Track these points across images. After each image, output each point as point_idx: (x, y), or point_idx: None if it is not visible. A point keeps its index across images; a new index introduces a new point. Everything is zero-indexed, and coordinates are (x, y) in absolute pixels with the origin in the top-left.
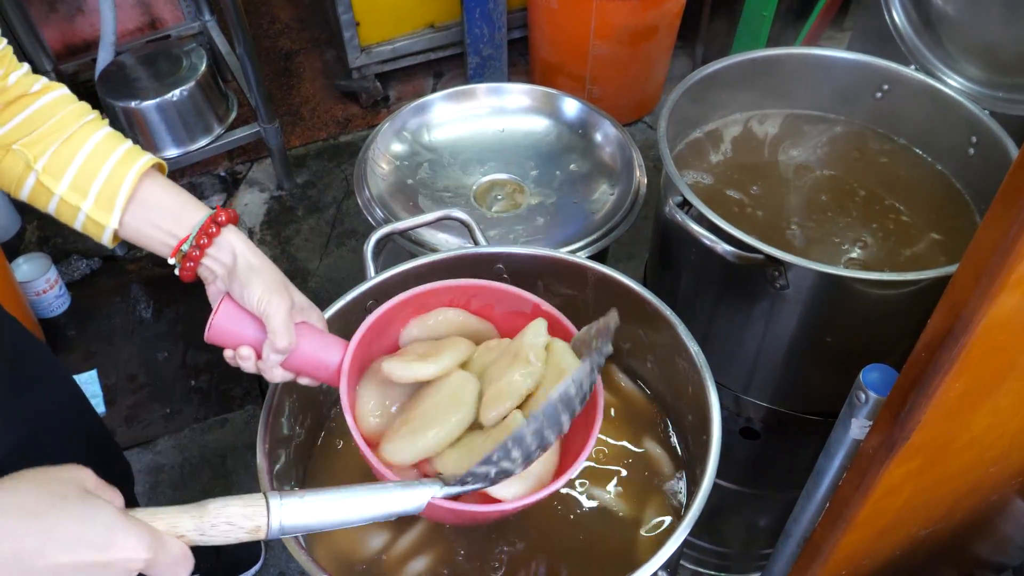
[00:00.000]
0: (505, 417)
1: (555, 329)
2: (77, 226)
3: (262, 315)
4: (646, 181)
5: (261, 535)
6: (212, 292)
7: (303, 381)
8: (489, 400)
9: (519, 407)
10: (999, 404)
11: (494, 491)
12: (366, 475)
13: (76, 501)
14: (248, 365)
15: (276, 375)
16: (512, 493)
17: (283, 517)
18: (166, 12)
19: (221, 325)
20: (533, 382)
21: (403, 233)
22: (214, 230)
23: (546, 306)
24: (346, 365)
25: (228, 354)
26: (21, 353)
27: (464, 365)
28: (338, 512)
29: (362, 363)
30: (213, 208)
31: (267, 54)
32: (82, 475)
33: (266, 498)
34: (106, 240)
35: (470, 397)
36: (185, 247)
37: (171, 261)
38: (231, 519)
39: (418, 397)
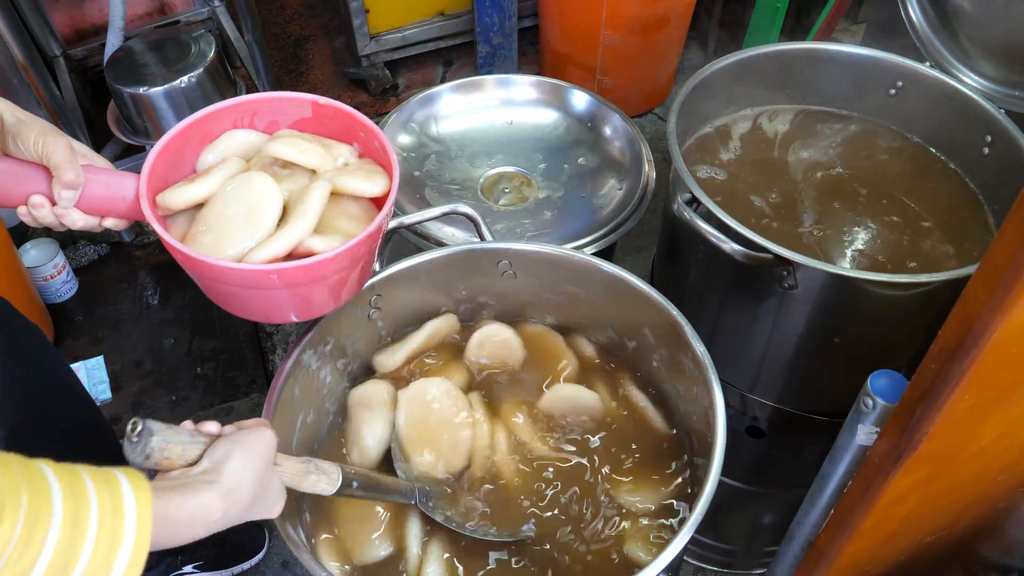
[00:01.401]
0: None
1: (337, 121)
2: None
3: (42, 156)
4: (655, 176)
5: (334, 487)
6: None
7: (109, 223)
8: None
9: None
10: (1009, 415)
11: (312, 245)
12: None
13: (272, 471)
14: (44, 214)
15: (76, 219)
16: (326, 244)
17: (354, 483)
18: None
19: (1, 181)
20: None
21: (409, 227)
22: None
23: (323, 100)
24: (142, 189)
25: (22, 211)
26: (15, 331)
27: None
28: (381, 490)
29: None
30: None
31: (276, 40)
32: (270, 443)
33: (340, 468)
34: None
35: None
36: None
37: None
38: (322, 470)
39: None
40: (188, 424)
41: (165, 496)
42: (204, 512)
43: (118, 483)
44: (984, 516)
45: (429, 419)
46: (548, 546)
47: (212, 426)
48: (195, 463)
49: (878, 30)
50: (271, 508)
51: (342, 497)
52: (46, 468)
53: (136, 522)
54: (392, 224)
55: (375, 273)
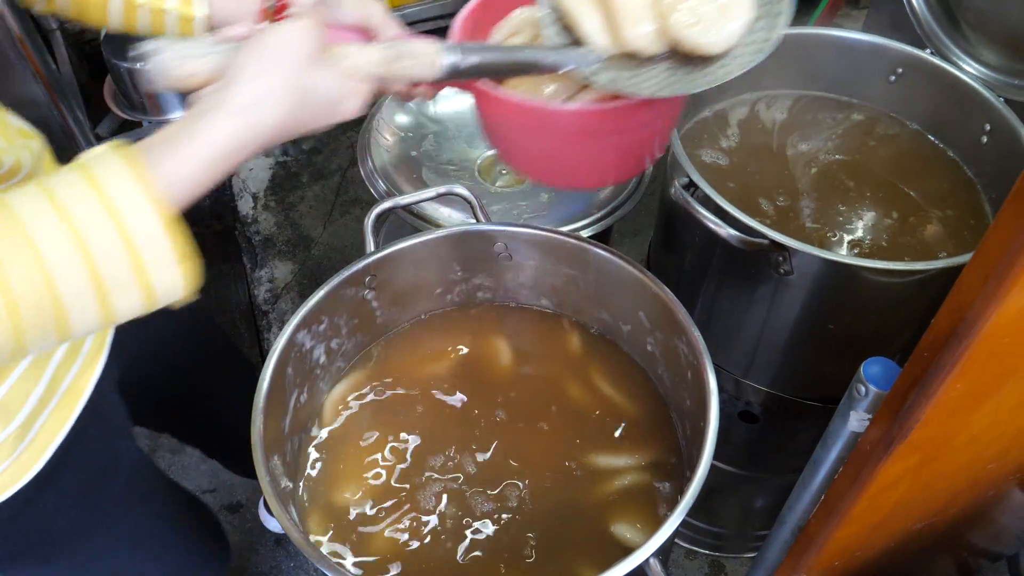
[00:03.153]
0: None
1: None
2: (171, 31)
3: (362, 18)
4: None
5: (436, 70)
6: None
7: (419, 91)
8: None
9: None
10: (1000, 404)
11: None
12: (367, 455)
13: (313, 68)
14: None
15: (425, 94)
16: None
17: (460, 56)
18: None
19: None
20: None
21: (405, 207)
22: None
23: None
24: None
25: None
26: None
27: None
28: (508, 56)
29: None
30: None
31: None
32: (309, 36)
33: (443, 43)
34: (199, 30)
35: None
36: (269, 5)
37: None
38: (415, 54)
39: None
40: (208, 35)
41: (162, 151)
42: (225, 141)
43: (88, 170)
44: (974, 504)
45: None
46: (532, 534)
47: (238, 28)
48: None
49: (880, 16)
50: (333, 111)
51: (456, 82)
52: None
53: (138, 190)
54: (387, 204)
55: (369, 254)
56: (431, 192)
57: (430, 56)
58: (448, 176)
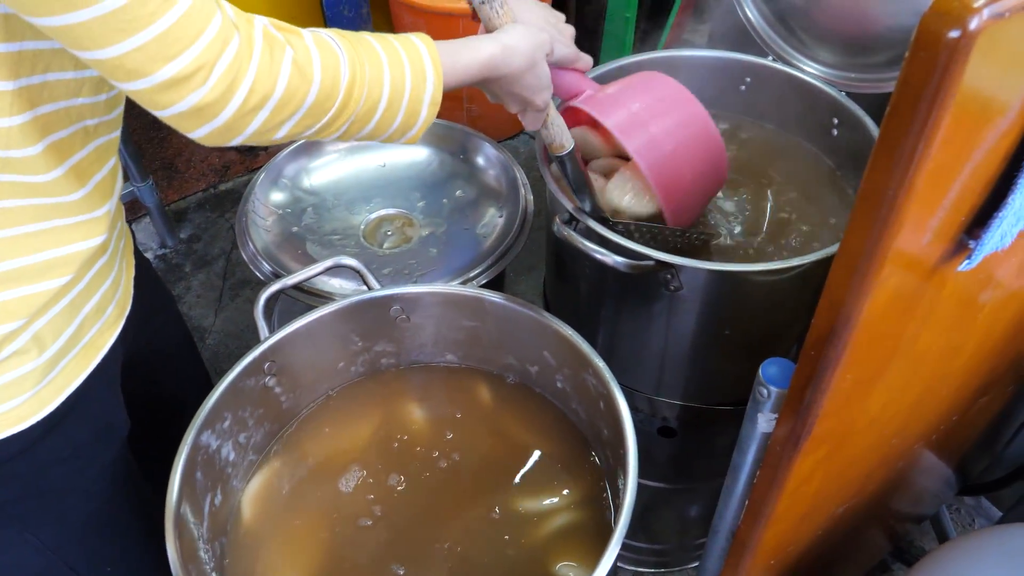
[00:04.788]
0: None
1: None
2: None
3: (573, 59)
4: (532, 198)
5: (560, 150)
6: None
7: None
8: None
9: None
10: (890, 385)
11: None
12: (295, 543)
13: (541, 62)
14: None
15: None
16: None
17: (570, 153)
18: None
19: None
20: None
21: (295, 286)
22: None
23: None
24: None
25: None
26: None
27: None
28: (581, 179)
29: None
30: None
31: (133, 108)
32: (546, 40)
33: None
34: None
35: None
36: None
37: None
38: (560, 125)
39: None
40: None
41: (451, 46)
42: (488, 55)
43: (410, 39)
44: (888, 477)
45: None
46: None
47: None
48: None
49: (722, 29)
50: (537, 91)
51: (560, 160)
52: (369, 39)
53: (430, 57)
54: (276, 287)
55: (264, 340)
56: (318, 268)
57: (562, 136)
58: (334, 246)
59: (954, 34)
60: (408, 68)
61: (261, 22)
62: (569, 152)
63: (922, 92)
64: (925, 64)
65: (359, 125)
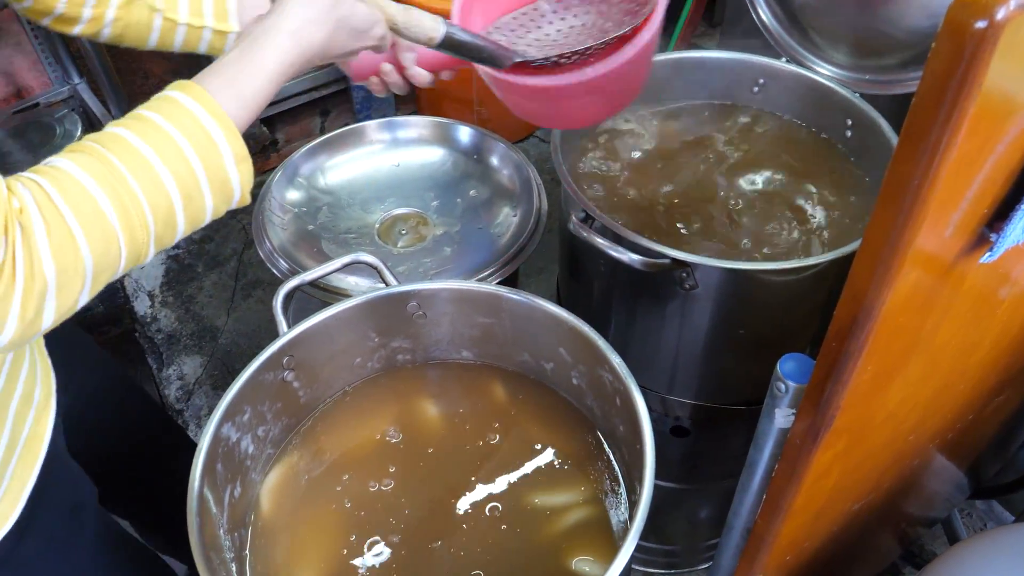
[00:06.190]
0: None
1: None
2: (203, 49)
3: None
4: (546, 198)
5: (437, 35)
6: None
7: (444, 76)
8: None
9: None
10: (908, 378)
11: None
12: (313, 536)
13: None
14: (395, 78)
15: (420, 77)
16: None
17: (454, 31)
18: (31, 79)
19: (356, 63)
20: None
21: (311, 283)
22: None
23: None
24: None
25: (373, 81)
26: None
27: None
28: (482, 44)
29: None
30: None
31: None
32: None
33: (444, 22)
34: (230, 46)
35: None
36: None
37: None
38: (423, 17)
39: None
40: None
41: (223, 72)
42: (279, 61)
43: (172, 98)
44: (902, 475)
45: None
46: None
47: None
48: None
49: (734, 31)
50: (366, 34)
51: (443, 50)
52: (116, 128)
53: (206, 110)
54: (294, 282)
55: (283, 335)
56: (337, 264)
57: (433, 23)
58: (349, 245)
59: (981, 24)
60: (189, 149)
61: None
62: (444, 34)
63: (948, 82)
64: (951, 54)
65: (167, 238)
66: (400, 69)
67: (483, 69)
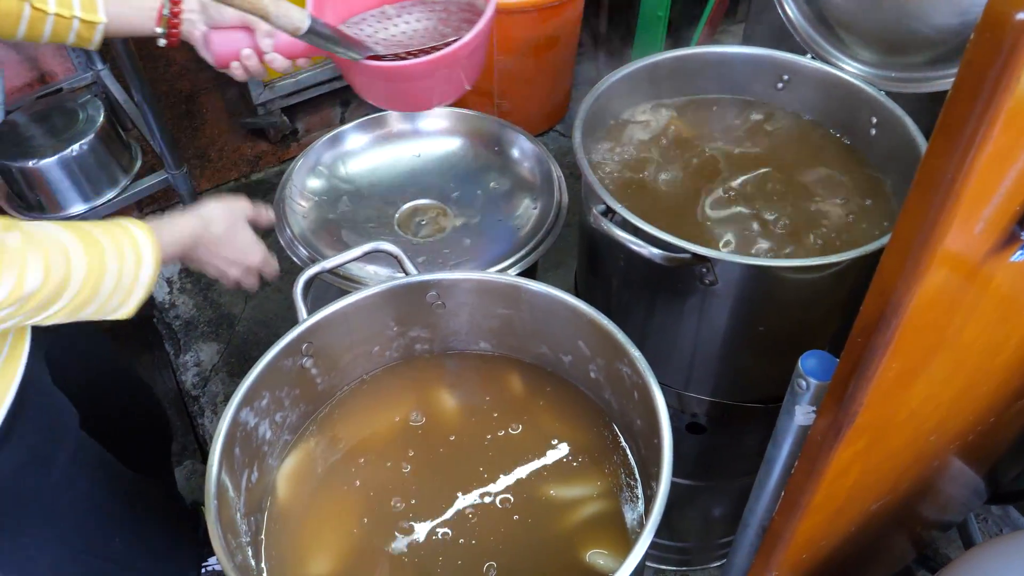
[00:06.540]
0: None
1: None
2: (71, 39)
3: (241, 19)
4: (566, 191)
5: (303, 25)
6: (199, 40)
7: (301, 62)
8: None
9: None
10: (932, 377)
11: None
12: (328, 522)
13: (243, 226)
14: (254, 63)
15: (278, 62)
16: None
17: (318, 25)
18: (55, 65)
19: (219, 43)
20: None
21: (331, 271)
22: None
23: None
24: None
25: (235, 67)
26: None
27: None
28: (338, 39)
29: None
30: None
31: (167, 98)
32: (245, 205)
33: (309, 15)
34: (97, 41)
35: None
36: (165, 11)
37: (158, 31)
38: (289, 9)
39: None
40: None
41: (159, 227)
42: (187, 229)
43: (126, 227)
44: (921, 477)
45: None
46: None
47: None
48: None
49: (759, 27)
50: (246, 253)
51: (308, 39)
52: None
53: (149, 243)
54: (315, 269)
55: (303, 321)
56: (358, 252)
57: (301, 15)
58: (369, 234)
59: (1021, 16)
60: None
61: None
62: (310, 26)
63: (985, 75)
64: (989, 46)
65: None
66: (260, 54)
67: (336, 58)
